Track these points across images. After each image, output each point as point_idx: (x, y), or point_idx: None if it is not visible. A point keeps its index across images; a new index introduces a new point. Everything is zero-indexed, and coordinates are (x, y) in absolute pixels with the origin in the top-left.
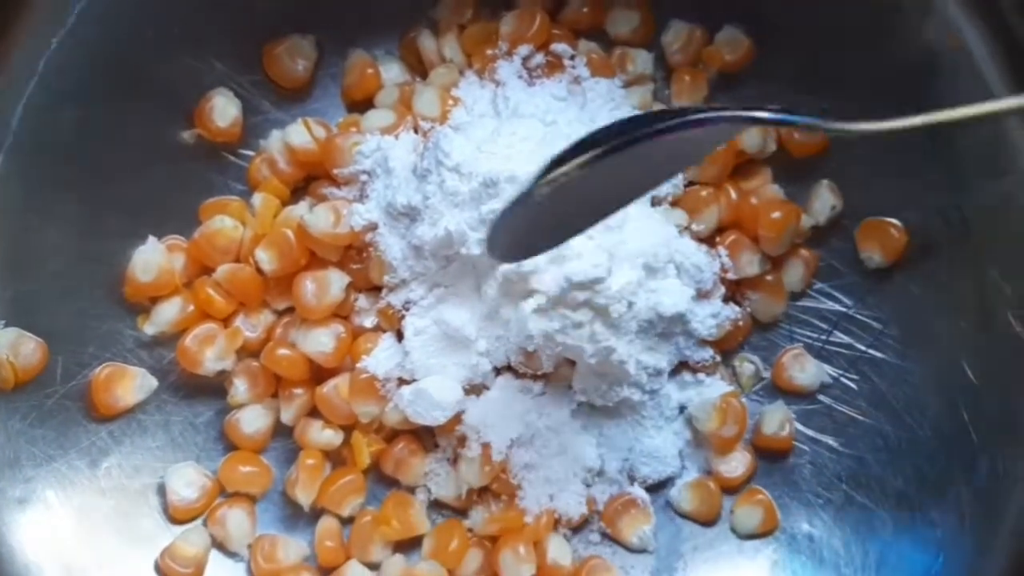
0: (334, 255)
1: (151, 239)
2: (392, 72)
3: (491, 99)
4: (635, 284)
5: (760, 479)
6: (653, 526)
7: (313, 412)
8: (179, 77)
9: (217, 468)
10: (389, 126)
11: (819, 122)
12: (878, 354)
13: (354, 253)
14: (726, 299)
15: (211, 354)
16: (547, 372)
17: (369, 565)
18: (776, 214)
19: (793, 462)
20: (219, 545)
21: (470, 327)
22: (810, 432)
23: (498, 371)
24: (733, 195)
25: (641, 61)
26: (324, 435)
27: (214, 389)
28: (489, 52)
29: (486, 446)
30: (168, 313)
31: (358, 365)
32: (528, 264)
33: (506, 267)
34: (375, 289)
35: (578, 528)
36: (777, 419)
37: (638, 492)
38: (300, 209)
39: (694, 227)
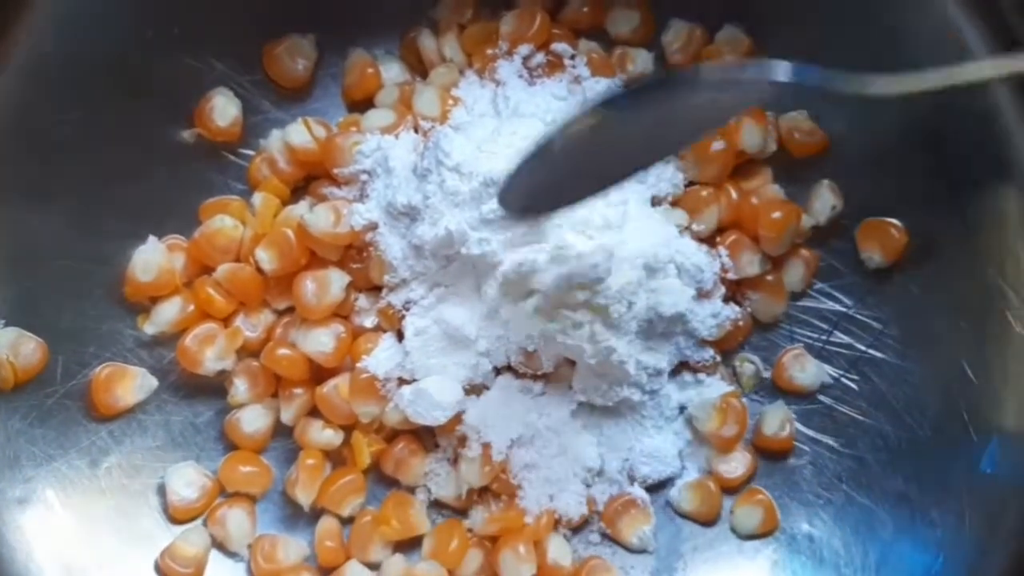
0: (334, 255)
1: (151, 239)
2: (392, 72)
3: (491, 99)
4: (635, 284)
5: (760, 479)
6: (653, 526)
7: (313, 412)
8: (179, 77)
9: (217, 468)
10: (389, 126)
11: (837, 81)
12: (878, 354)
13: (354, 253)
14: (726, 299)
15: (211, 354)
16: (547, 372)
17: (369, 565)
18: (776, 214)
19: (793, 462)
20: (219, 545)
21: (470, 327)
22: (810, 432)
23: (498, 371)
24: (733, 195)
25: (641, 61)
26: (324, 435)
27: (214, 389)
28: (489, 52)
29: (486, 446)
30: (168, 313)
31: (358, 365)
32: (528, 264)
33: (507, 267)
34: (375, 289)
35: (578, 528)
36: (777, 419)
37: (638, 492)
38: (300, 209)
39: (694, 227)
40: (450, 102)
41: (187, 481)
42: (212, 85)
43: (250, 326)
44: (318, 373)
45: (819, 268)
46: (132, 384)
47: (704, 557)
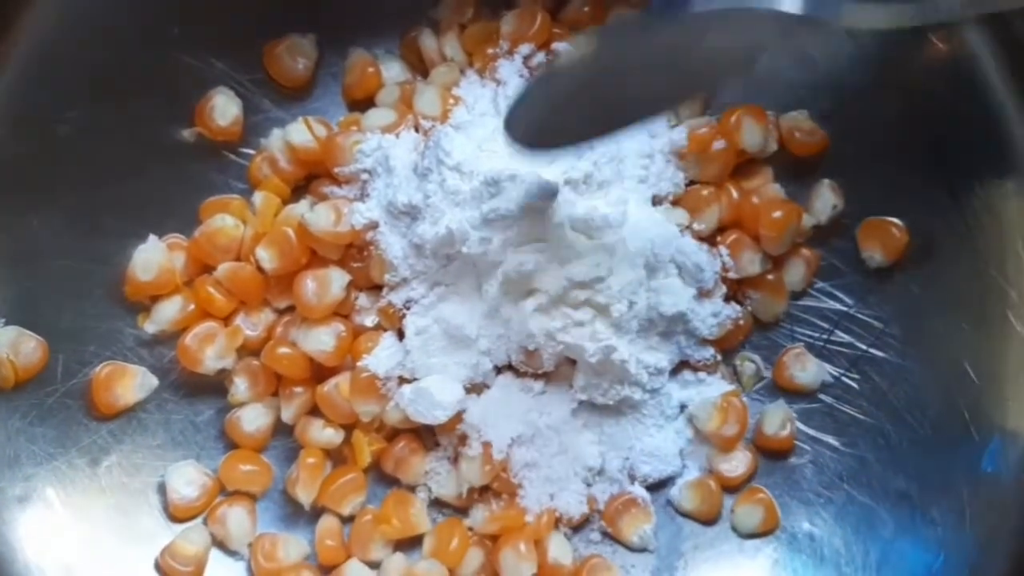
0: (335, 254)
1: (152, 238)
2: (393, 71)
3: (492, 98)
4: (636, 283)
5: (761, 478)
6: (654, 525)
7: (314, 411)
8: (180, 76)
9: (217, 467)
10: (390, 125)
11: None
12: (879, 353)
13: (355, 252)
14: (727, 298)
15: (211, 353)
16: (548, 371)
17: (370, 564)
18: (777, 213)
19: (794, 461)
20: (219, 544)
21: (471, 326)
22: (811, 431)
23: (499, 370)
24: (734, 194)
25: None
26: (325, 434)
27: (214, 388)
28: (490, 51)
29: (487, 445)
30: (169, 312)
31: (359, 364)
32: (529, 263)
33: (507, 266)
34: (376, 288)
35: (579, 527)
36: (778, 418)
37: (639, 491)
38: (301, 208)
39: (695, 226)
40: (451, 101)
41: (187, 480)
42: (213, 84)
43: (250, 325)
44: (319, 372)
45: (820, 267)
46: (132, 383)
47: (705, 556)
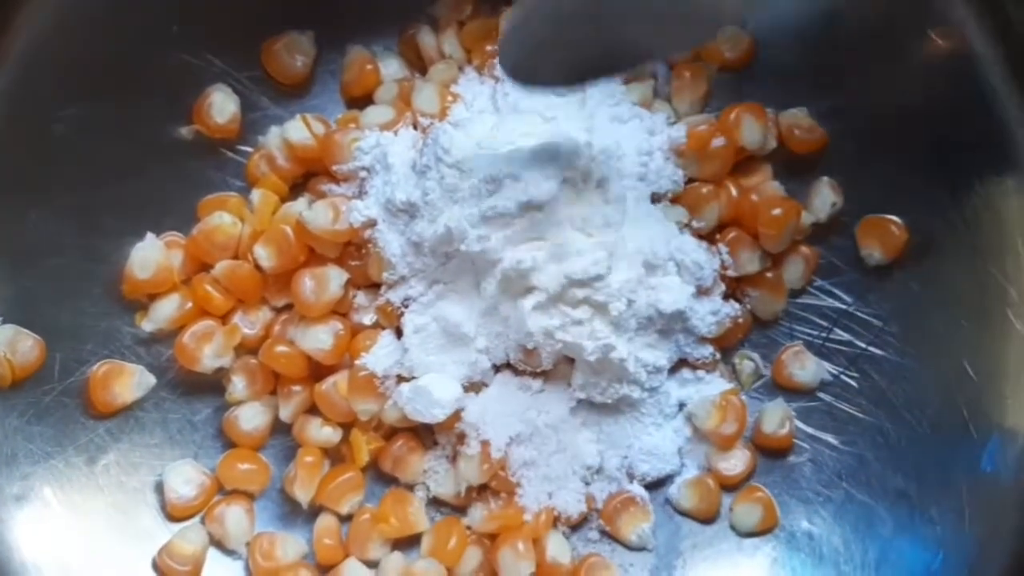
0: (333, 252)
1: (149, 236)
2: (391, 68)
3: (490, 95)
4: (635, 281)
5: (760, 477)
6: (652, 524)
7: (312, 409)
8: (177, 74)
9: (215, 465)
10: (388, 122)
11: None
12: (878, 351)
13: (353, 250)
14: (726, 296)
15: (209, 351)
16: (546, 369)
17: (368, 563)
18: (776, 211)
19: (793, 460)
20: (217, 543)
21: (469, 324)
22: (810, 430)
23: (497, 368)
24: (733, 192)
25: None
26: (323, 432)
27: (212, 386)
28: (488, 48)
29: (485, 443)
30: (166, 310)
31: (357, 362)
32: (528, 261)
33: (506, 264)
34: (374, 286)
35: (577, 526)
36: (777, 416)
37: (637, 490)
38: (299, 205)
39: (694, 224)
40: (449, 99)
41: (185, 479)
42: (210, 81)
43: (248, 323)
44: (317, 370)
45: (819, 265)
46: (130, 381)
47: (703, 555)
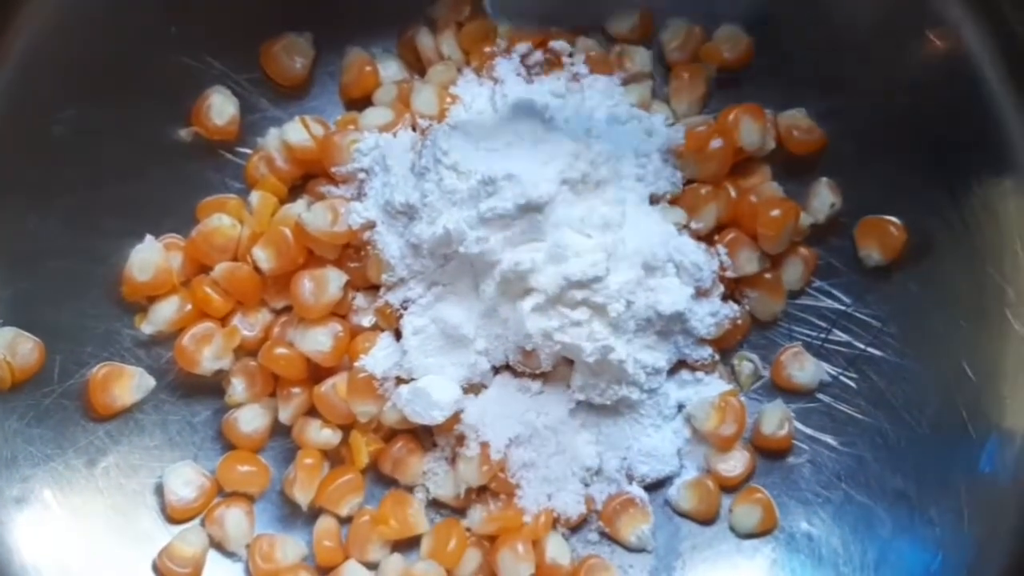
0: (332, 253)
1: (148, 238)
2: (390, 70)
3: (489, 96)
4: (634, 283)
5: (759, 478)
6: (652, 525)
7: (311, 411)
8: (177, 76)
9: (215, 468)
10: (387, 124)
11: None
12: (877, 352)
13: (352, 251)
14: (725, 297)
15: (209, 353)
16: (545, 371)
17: (367, 565)
18: (775, 212)
19: (792, 461)
20: (217, 545)
21: (468, 326)
22: (809, 431)
23: (496, 370)
24: (732, 193)
25: (640, 58)
26: (322, 434)
27: (212, 388)
28: (487, 49)
29: (484, 445)
30: (166, 312)
31: (356, 364)
32: (526, 262)
33: (505, 266)
34: (373, 288)
35: (577, 527)
36: (776, 418)
37: (636, 491)
38: (298, 207)
39: (693, 225)
40: (448, 100)
41: (185, 481)
42: (209, 83)
43: (248, 325)
44: (316, 372)
45: (818, 266)
46: (129, 384)
47: (703, 556)
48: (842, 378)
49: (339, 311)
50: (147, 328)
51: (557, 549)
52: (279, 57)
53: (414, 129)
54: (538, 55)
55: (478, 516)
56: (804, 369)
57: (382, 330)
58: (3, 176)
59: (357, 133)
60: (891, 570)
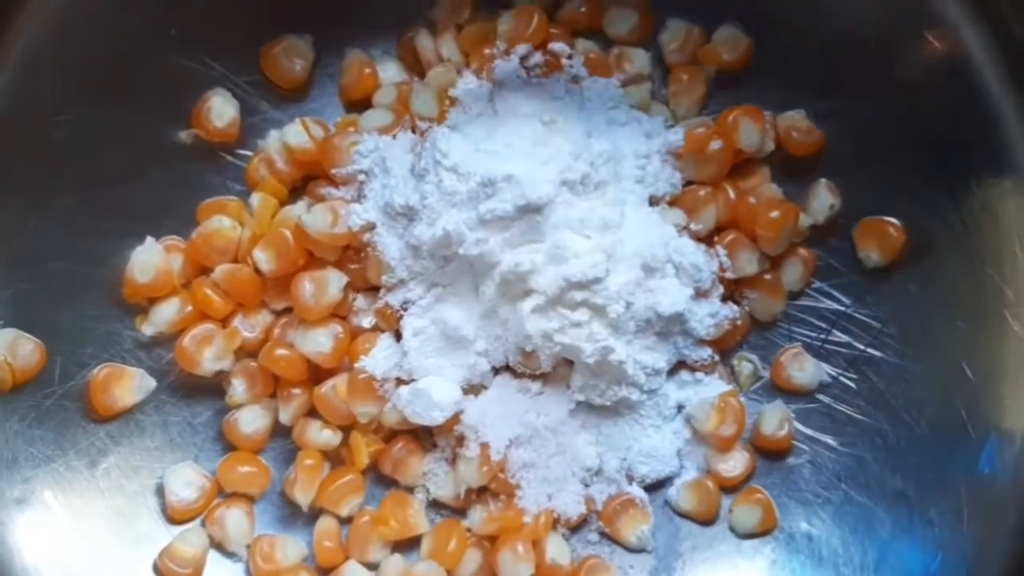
0: (332, 255)
1: (149, 240)
2: (390, 72)
3: (488, 98)
4: (633, 284)
5: (759, 478)
6: (652, 525)
7: (311, 412)
8: (177, 78)
9: (216, 468)
10: (387, 126)
11: None
12: (877, 353)
13: (352, 253)
14: (724, 298)
15: (209, 354)
16: (545, 372)
17: (368, 565)
18: (774, 213)
19: (792, 461)
20: (217, 545)
21: (468, 327)
22: (809, 431)
23: (496, 371)
24: (731, 194)
25: (639, 60)
26: (323, 435)
27: (212, 389)
28: (487, 51)
29: (484, 446)
30: (166, 313)
31: (356, 365)
32: (526, 264)
33: (504, 267)
34: (373, 289)
35: (577, 528)
36: (776, 418)
37: (636, 491)
38: (298, 209)
39: (692, 226)
40: (447, 102)
41: (186, 481)
42: (210, 86)
43: (248, 327)
44: (316, 373)
45: (817, 267)
46: (130, 385)
47: (703, 556)
48: (842, 379)
49: (339, 312)
50: (148, 329)
51: (557, 549)
52: (279, 59)
53: (414, 131)
54: (537, 57)
55: (478, 516)
56: (804, 370)
57: (382, 331)
58: (3, 176)
59: (357, 135)
60: (891, 570)
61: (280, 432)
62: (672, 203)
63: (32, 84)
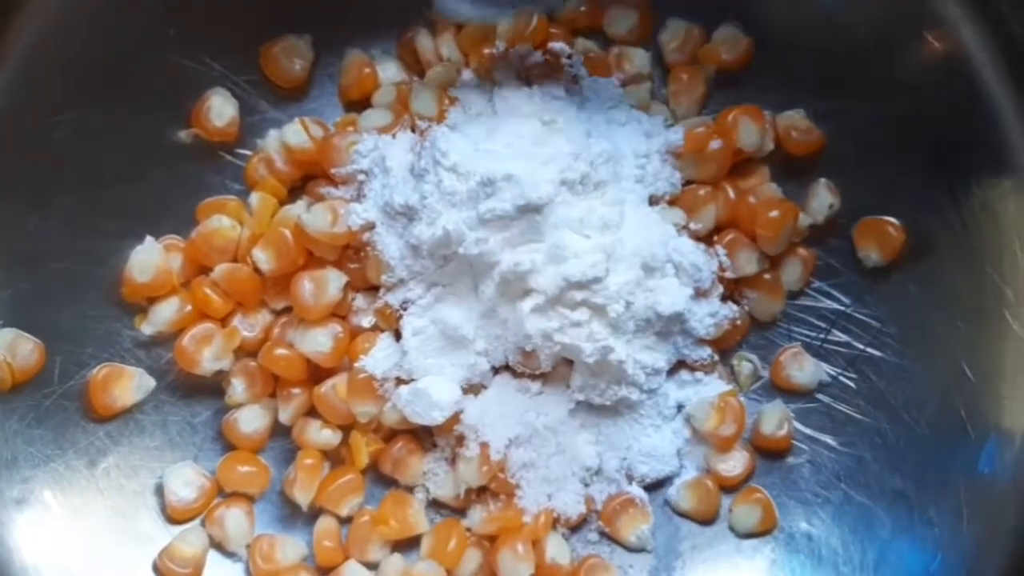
0: (332, 255)
1: (148, 239)
2: (389, 71)
3: (488, 98)
4: (633, 283)
5: (759, 478)
6: (651, 525)
7: (311, 412)
8: (176, 77)
9: (215, 468)
10: (386, 125)
11: None
12: (876, 353)
13: (352, 253)
14: (724, 298)
15: (209, 354)
16: (545, 371)
17: (368, 565)
18: (774, 213)
19: (791, 461)
20: (217, 545)
21: (468, 326)
22: (808, 431)
23: (496, 370)
24: (731, 194)
25: (639, 60)
26: (322, 435)
27: (212, 389)
28: (486, 51)
29: (484, 445)
30: (166, 313)
31: (356, 365)
32: (526, 263)
33: (504, 267)
34: (373, 289)
35: (576, 527)
36: (775, 418)
37: (636, 491)
38: (297, 208)
39: (692, 226)
40: (447, 102)
41: (185, 481)
42: (209, 85)
43: (248, 326)
44: (316, 373)
45: (817, 267)
46: (130, 384)
47: (703, 556)
48: (841, 378)
49: (339, 312)
50: (147, 329)
51: (557, 549)
52: (279, 59)
53: (413, 130)
54: (537, 57)
55: (478, 516)
56: (803, 369)
57: (382, 331)
58: (3, 176)
59: (356, 135)
60: (890, 570)
61: (280, 432)
62: (672, 203)
63: (32, 84)
